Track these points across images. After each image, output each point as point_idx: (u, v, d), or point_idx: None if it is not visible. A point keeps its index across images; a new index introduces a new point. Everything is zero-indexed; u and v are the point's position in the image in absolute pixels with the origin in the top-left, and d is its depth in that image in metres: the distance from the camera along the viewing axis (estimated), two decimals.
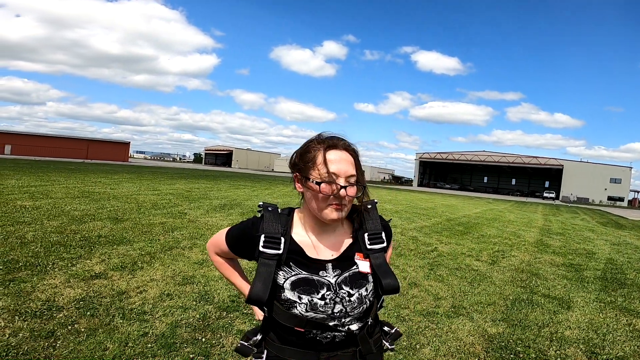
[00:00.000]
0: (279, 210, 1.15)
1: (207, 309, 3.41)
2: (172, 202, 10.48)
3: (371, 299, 1.13)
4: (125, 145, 70.73)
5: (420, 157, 78.32)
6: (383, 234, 1.17)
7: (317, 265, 1.10)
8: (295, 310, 1.06)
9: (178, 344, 2.78)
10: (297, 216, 1.18)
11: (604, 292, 5.11)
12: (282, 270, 1.09)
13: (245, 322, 3.21)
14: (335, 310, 1.07)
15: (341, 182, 1.06)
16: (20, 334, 2.68)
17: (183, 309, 3.37)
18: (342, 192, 1.05)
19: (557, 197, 61.94)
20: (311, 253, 1.12)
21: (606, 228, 14.67)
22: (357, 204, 1.17)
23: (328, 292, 1.08)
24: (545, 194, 60.89)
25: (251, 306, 1.26)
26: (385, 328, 1.24)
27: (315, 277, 1.08)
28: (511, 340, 3.33)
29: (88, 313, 3.12)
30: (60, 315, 3.05)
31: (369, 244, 1.14)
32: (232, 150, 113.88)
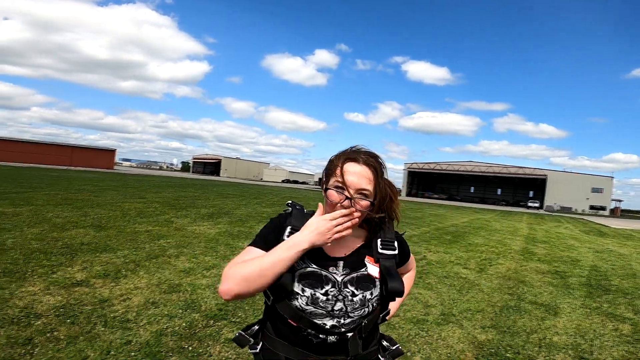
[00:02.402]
0: (305, 210, 1.21)
1: (193, 317, 3.32)
2: (159, 210, 10.29)
3: (374, 304, 1.12)
4: (111, 152, 69.54)
5: (408, 168, 79.08)
6: (396, 243, 1.18)
7: (329, 261, 1.12)
8: (296, 302, 1.06)
9: (163, 352, 2.69)
10: None
11: (589, 298, 5.17)
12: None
13: (232, 331, 3.14)
14: (336, 308, 1.07)
15: (350, 193, 1.07)
16: None
17: (169, 317, 3.27)
18: (347, 202, 1.06)
19: (541, 207, 63.06)
20: (326, 249, 1.13)
21: (589, 236, 14.94)
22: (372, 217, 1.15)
23: (332, 289, 1.08)
24: (529, 204, 61.90)
25: None
26: (385, 343, 1.21)
27: (324, 272, 1.10)
28: (501, 347, 3.33)
29: (68, 320, 3.01)
30: (39, 322, 2.94)
31: (381, 249, 1.15)
32: (221, 159, 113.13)
